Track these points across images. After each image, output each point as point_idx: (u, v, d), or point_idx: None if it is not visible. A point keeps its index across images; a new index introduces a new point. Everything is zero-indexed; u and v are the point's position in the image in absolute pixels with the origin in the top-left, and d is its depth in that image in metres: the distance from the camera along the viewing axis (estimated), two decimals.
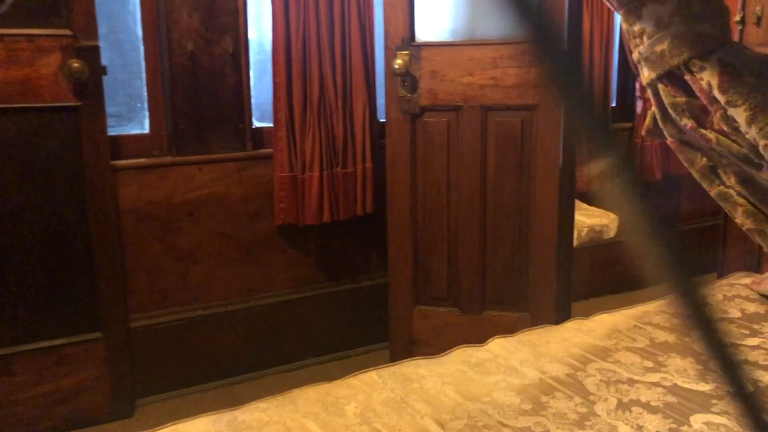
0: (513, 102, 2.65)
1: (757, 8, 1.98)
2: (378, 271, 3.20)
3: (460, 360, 1.59)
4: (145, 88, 2.82)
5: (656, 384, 1.45)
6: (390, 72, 2.76)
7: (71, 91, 2.46)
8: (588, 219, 3.14)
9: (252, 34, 2.97)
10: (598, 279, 3.46)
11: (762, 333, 1.70)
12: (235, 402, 1.53)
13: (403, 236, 2.89)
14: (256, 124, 3.03)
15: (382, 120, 3.02)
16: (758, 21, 1.98)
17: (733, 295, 1.94)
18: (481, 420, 1.31)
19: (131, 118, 2.87)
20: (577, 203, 3.41)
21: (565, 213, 2.73)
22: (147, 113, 2.84)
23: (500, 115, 2.68)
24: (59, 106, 2.46)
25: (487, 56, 2.64)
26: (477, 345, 1.68)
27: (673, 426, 1.29)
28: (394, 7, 2.72)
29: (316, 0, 2.82)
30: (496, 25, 2.65)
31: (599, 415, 1.33)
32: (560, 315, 2.72)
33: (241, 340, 3.02)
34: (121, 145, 2.76)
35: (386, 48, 2.78)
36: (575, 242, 3.03)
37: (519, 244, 2.78)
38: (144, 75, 2.82)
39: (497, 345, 1.66)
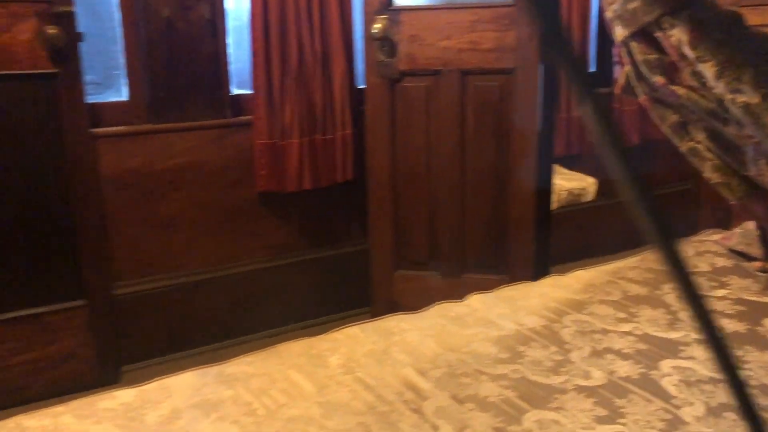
0: (491, 66, 2.67)
1: None
2: (359, 237, 3.24)
3: (439, 314, 1.63)
4: (122, 55, 2.80)
5: (628, 333, 1.51)
6: (369, 37, 2.77)
7: (48, 58, 2.44)
8: (567, 183, 3.20)
9: (230, 1, 2.95)
10: (577, 242, 3.52)
11: (729, 285, 1.76)
12: None
13: (384, 201, 2.92)
14: (235, 91, 3.02)
15: (361, 86, 3.03)
16: None
17: (704, 250, 2.00)
18: (460, 368, 1.36)
19: (109, 85, 2.85)
20: (557, 167, 3.46)
21: (543, 176, 2.78)
22: (125, 80, 2.82)
23: (478, 79, 2.71)
24: (36, 73, 2.44)
25: (465, 20, 2.66)
26: (456, 300, 1.73)
27: (643, 370, 1.35)
28: None
29: None
30: None
31: (574, 362, 1.38)
32: (539, 277, 2.77)
33: (225, 307, 3.05)
34: (99, 113, 2.74)
35: (365, 12, 2.78)
36: (554, 206, 3.08)
37: (498, 208, 2.83)
38: (121, 42, 2.79)
39: (476, 300, 1.71)
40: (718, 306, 1.64)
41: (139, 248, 2.84)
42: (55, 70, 2.46)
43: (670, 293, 1.72)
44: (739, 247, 1.93)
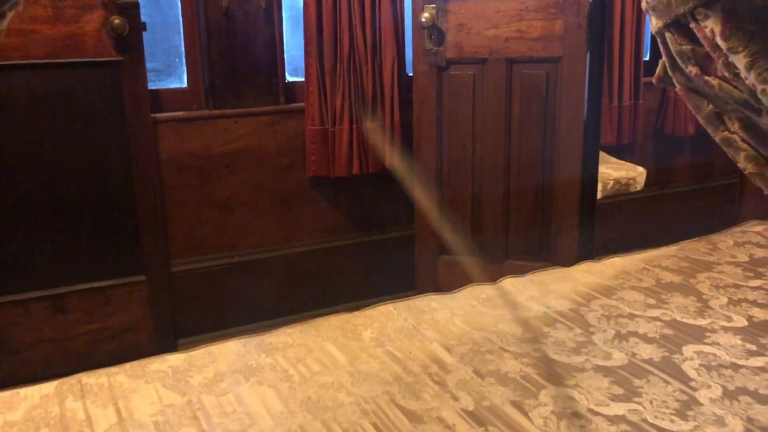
0: (538, 54, 2.69)
1: None
2: (405, 222, 3.31)
3: (471, 296, 1.70)
4: (182, 44, 2.94)
5: (656, 318, 1.54)
6: (417, 25, 2.82)
7: (113, 46, 2.60)
8: (615, 172, 3.18)
9: None
10: (624, 232, 3.50)
11: (765, 276, 1.76)
12: None
13: (429, 187, 2.98)
14: (289, 78, 3.13)
15: (410, 74, 3.09)
16: None
17: (744, 241, 2.00)
18: (485, 346, 1.42)
19: (170, 72, 3.00)
20: (605, 156, 3.44)
21: (589, 165, 2.78)
22: (185, 68, 2.96)
23: (525, 67, 2.73)
24: (102, 60, 2.59)
25: (512, 9, 2.69)
26: (489, 283, 1.79)
27: (666, 354, 1.38)
28: None
29: None
30: None
31: (596, 344, 1.42)
32: None
33: (275, 286, 3.17)
34: (160, 99, 2.90)
35: (414, 2, 2.84)
36: (600, 195, 3.08)
37: (543, 196, 2.85)
38: (182, 31, 2.93)
39: (508, 283, 1.77)
40: (751, 295, 1.65)
41: (195, 228, 2.99)
42: (120, 58, 2.62)
43: (704, 282, 1.73)
44: None
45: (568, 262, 2.84)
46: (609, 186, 3.08)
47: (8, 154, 2.55)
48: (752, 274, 1.78)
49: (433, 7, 2.77)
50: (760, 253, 1.91)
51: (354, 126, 3.07)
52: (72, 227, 2.67)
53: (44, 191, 2.60)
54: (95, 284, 2.75)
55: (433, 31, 2.79)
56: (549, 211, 2.86)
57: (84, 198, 2.67)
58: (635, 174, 3.14)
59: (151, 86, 2.83)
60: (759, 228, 2.06)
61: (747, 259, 1.87)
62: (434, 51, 2.82)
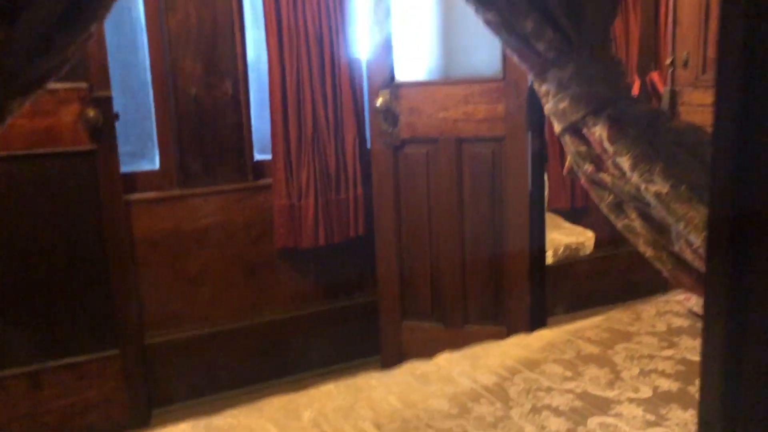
0: (484, 134, 2.90)
1: (684, 53, 2.21)
2: (371, 288, 3.47)
3: (408, 372, 1.85)
4: (155, 129, 3.14)
5: (569, 391, 1.70)
6: (374, 109, 3.04)
7: (88, 136, 2.79)
8: (566, 237, 3.37)
9: (252, 73, 3.27)
10: (576, 293, 3.68)
11: (678, 345, 1.93)
12: None
13: (390, 256, 3.16)
14: (257, 156, 3.33)
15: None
16: (685, 64, 2.21)
17: (666, 310, 2.17)
18: (413, 423, 1.57)
19: (143, 155, 3.19)
20: (558, 221, 3.64)
21: (536, 233, 2.97)
22: (157, 151, 3.16)
23: (473, 146, 2.94)
24: (78, 150, 2.79)
25: (459, 93, 2.91)
26: (426, 359, 1.94)
27: (571, 426, 1.54)
28: (376, 51, 3.01)
29: (308, 45, 3.11)
30: (467, 65, 2.92)
31: (512, 418, 1.58)
32: (535, 328, 2.95)
33: (247, 355, 3.31)
34: (134, 180, 3.08)
35: (370, 87, 3.06)
36: (552, 260, 3.26)
37: (495, 263, 3.03)
38: (154, 116, 3.14)
39: (443, 359, 1.92)
40: (661, 365, 1.81)
41: (168, 302, 3.14)
42: (94, 147, 2.81)
43: (620, 353, 1.90)
44: (696, 308, 2.09)
45: (522, 324, 3.00)
46: (560, 251, 3.26)
47: None
48: (666, 344, 1.94)
49: (387, 92, 2.99)
50: (678, 322, 2.08)
51: (319, 200, 3.26)
52: (48, 305, 2.81)
53: (20, 272, 2.75)
54: (70, 359, 2.89)
55: (388, 114, 3.01)
56: (502, 278, 3.03)
57: (60, 277, 2.82)
58: (584, 239, 3.33)
59: (125, 169, 3.01)
60: (680, 297, 2.23)
61: (665, 329, 2.04)
62: (389, 132, 3.03)
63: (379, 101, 2.98)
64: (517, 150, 2.86)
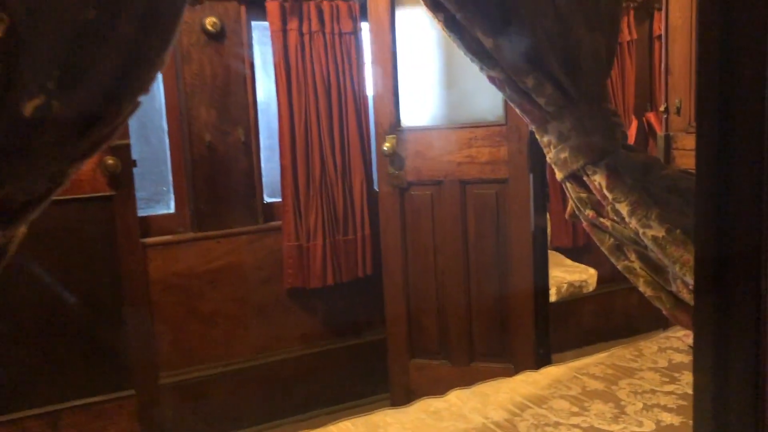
0: (487, 176, 3.02)
1: (677, 99, 2.33)
2: (379, 327, 3.55)
3: (421, 409, 1.93)
4: (170, 174, 3.26)
5: (576, 426, 1.77)
6: (380, 153, 3.16)
7: (106, 183, 2.91)
8: (568, 275, 3.46)
9: (261, 118, 3.40)
10: (580, 330, 3.75)
11: (679, 380, 2.01)
12: None
13: (397, 296, 3.25)
14: (267, 199, 3.44)
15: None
16: (678, 110, 2.33)
17: (667, 347, 2.25)
18: None
19: (158, 200, 3.31)
20: (561, 259, 3.74)
21: (540, 271, 3.06)
22: (172, 195, 3.27)
23: (477, 187, 3.05)
24: (96, 196, 2.90)
25: (463, 138, 3.03)
26: (438, 396, 2.02)
27: None
28: (383, 98, 3.14)
29: (316, 92, 3.25)
30: (470, 110, 3.04)
31: None
32: (540, 364, 3.03)
33: (258, 393, 3.38)
34: (149, 224, 3.19)
35: (376, 132, 3.19)
36: (556, 297, 3.35)
37: (500, 302, 3.11)
38: (169, 162, 3.26)
39: (454, 396, 2.00)
40: (663, 400, 1.89)
41: (182, 342, 3.22)
42: (112, 193, 2.92)
43: (624, 388, 1.97)
44: None
45: (527, 361, 3.07)
46: (563, 289, 3.34)
47: (7, 282, 2.81)
48: (668, 379, 2.02)
49: (393, 137, 3.11)
50: (678, 358, 2.16)
51: (327, 241, 3.36)
52: (66, 347, 2.89)
53: (39, 313, 2.84)
54: (87, 400, 2.95)
55: (395, 158, 3.13)
56: (507, 316, 3.11)
57: (77, 318, 2.91)
58: (587, 276, 3.42)
59: (141, 213, 3.12)
60: (680, 333, 2.32)
61: (666, 364, 2.12)
62: (396, 174, 3.15)
63: (386, 145, 3.10)
64: (519, 191, 2.97)
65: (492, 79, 1.74)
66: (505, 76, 1.69)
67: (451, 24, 1.66)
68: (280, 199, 3.38)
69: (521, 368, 2.99)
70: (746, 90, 0.69)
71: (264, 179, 3.40)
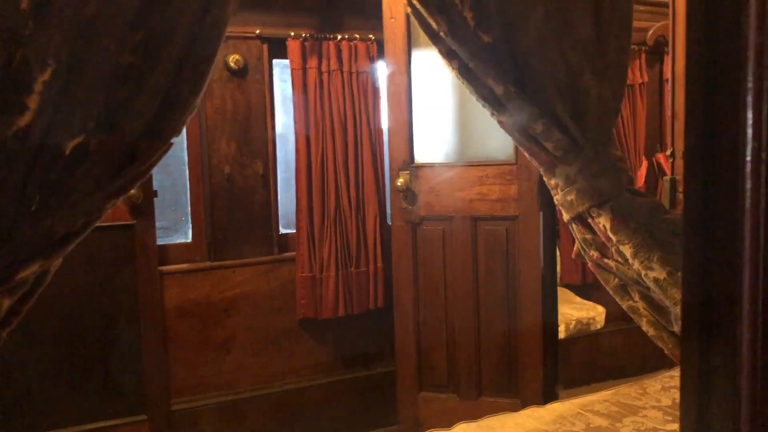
0: (498, 213, 3.09)
1: (683, 144, 2.40)
2: (389, 359, 3.60)
3: None
4: (189, 205, 3.36)
5: None
6: (394, 188, 3.24)
7: (128, 212, 3.00)
8: (577, 312, 3.50)
9: (279, 152, 3.51)
10: (587, 367, 3.78)
11: None
12: None
13: (408, 329, 3.30)
14: (282, 231, 3.52)
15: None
16: (684, 155, 2.40)
17: (671, 386, 2.29)
18: None
19: (177, 229, 3.40)
20: (570, 296, 3.78)
21: (549, 308, 3.10)
22: (190, 225, 3.36)
23: (487, 224, 3.12)
24: (117, 224, 2.99)
25: (474, 175, 3.11)
26: (445, 429, 2.07)
27: None
28: (397, 135, 3.23)
29: (333, 129, 3.35)
30: (481, 149, 3.13)
31: None
32: (548, 400, 3.06)
33: (268, 422, 3.42)
34: (167, 253, 3.28)
35: (390, 168, 3.27)
36: (564, 334, 3.39)
37: (509, 337, 3.16)
38: (188, 193, 3.36)
39: (461, 429, 2.05)
40: None
41: (195, 368, 3.28)
42: (133, 222, 3.01)
43: (627, 426, 2.01)
44: None
45: (534, 397, 3.11)
46: (572, 326, 3.38)
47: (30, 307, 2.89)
48: (671, 418, 2.05)
49: (407, 173, 3.20)
50: None
51: (340, 273, 3.43)
52: (82, 371, 2.96)
53: (58, 340, 2.92)
54: (101, 424, 3.01)
55: (408, 193, 3.21)
56: (516, 352, 3.15)
57: (95, 344, 2.98)
58: (595, 313, 3.46)
59: (160, 242, 3.21)
60: None
61: (670, 403, 2.15)
62: (409, 209, 3.22)
63: (400, 181, 3.18)
64: (529, 228, 3.03)
65: (502, 124, 1.82)
66: (515, 121, 1.77)
67: (464, 71, 1.74)
68: (294, 231, 3.46)
69: (528, 404, 3.02)
70: (725, 149, 0.76)
71: (279, 211, 3.49)
